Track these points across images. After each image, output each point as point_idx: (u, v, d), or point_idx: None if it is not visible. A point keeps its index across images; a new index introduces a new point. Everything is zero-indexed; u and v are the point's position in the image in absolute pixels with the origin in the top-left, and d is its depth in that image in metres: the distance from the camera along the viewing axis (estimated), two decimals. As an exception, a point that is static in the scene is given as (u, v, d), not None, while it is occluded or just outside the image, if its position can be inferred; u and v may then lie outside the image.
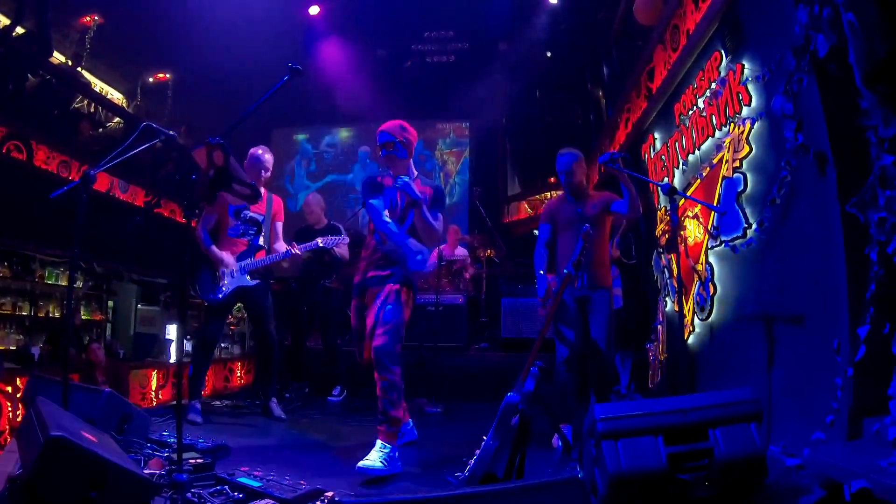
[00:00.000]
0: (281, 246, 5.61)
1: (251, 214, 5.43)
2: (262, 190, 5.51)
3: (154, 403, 6.75)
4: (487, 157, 14.39)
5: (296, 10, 12.62)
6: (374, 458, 3.67)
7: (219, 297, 5.28)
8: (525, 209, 13.35)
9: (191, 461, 3.11)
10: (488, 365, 7.62)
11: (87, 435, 2.43)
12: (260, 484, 2.83)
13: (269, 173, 5.66)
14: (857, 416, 3.03)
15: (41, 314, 9.54)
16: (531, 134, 13.67)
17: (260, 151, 5.58)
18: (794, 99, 3.66)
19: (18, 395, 5.22)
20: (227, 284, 5.27)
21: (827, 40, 3.38)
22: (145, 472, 2.89)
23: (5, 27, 8.71)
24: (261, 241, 5.50)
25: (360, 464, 3.60)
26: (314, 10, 12.77)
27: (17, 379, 5.29)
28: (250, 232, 5.46)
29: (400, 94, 13.61)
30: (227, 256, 5.29)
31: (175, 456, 2.95)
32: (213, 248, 5.28)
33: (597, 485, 2.46)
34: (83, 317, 9.99)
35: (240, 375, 8.30)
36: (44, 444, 2.18)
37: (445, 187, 14.12)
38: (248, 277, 5.33)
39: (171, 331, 10.60)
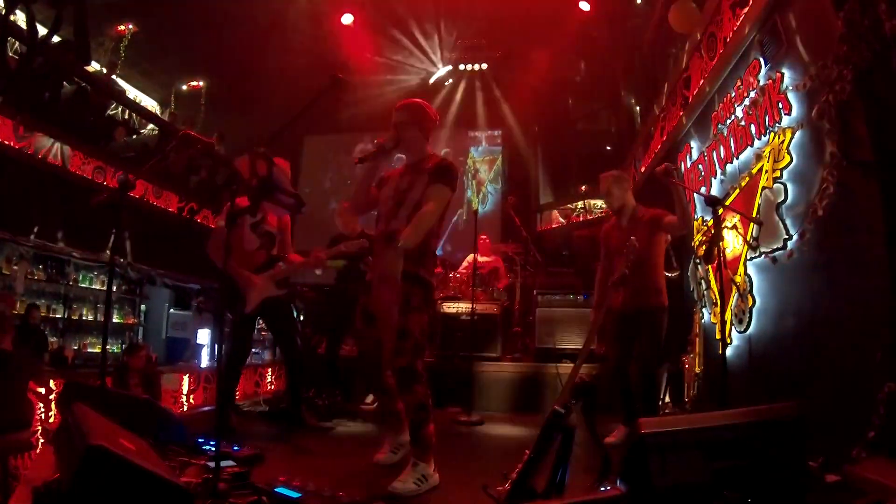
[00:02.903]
0: (296, 256, 5.59)
1: (266, 228, 5.40)
2: None
3: (185, 408, 6.79)
4: (520, 165, 14.43)
5: (329, 19, 12.66)
6: (406, 479, 3.52)
7: (247, 310, 5.25)
8: (557, 218, 13.29)
9: (227, 470, 3.10)
10: (522, 375, 7.56)
11: (125, 443, 2.42)
12: (299, 495, 2.80)
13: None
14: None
15: (75, 317, 9.66)
16: (564, 142, 13.61)
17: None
18: (836, 108, 3.59)
19: (52, 397, 5.27)
20: (254, 297, 5.25)
21: (869, 48, 3.33)
22: (182, 480, 2.88)
23: (43, 37, 8.85)
24: (275, 252, 5.47)
25: (393, 486, 3.45)
26: (347, 18, 12.78)
27: (51, 381, 5.34)
28: (266, 245, 5.42)
29: (433, 102, 13.66)
30: (246, 273, 5.24)
31: (211, 464, 2.95)
32: (233, 264, 5.22)
33: (641, 500, 2.41)
34: (116, 320, 10.08)
35: (270, 381, 8.33)
36: (83, 454, 2.17)
37: (478, 196, 14.10)
38: (275, 287, 5.31)
39: (203, 335, 10.68)
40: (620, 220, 5.26)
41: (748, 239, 4.79)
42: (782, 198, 4.25)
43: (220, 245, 5.11)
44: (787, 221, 4.19)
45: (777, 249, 4.30)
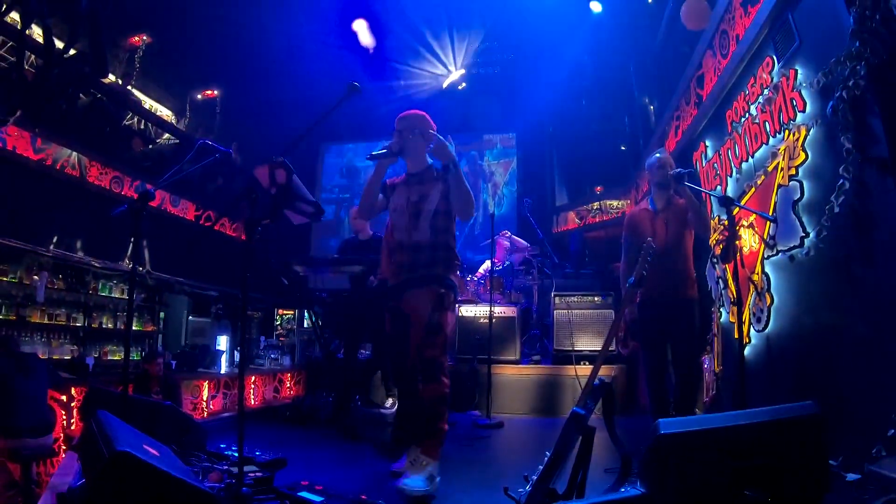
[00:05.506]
0: None
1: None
2: None
3: (205, 414, 6.85)
4: (535, 167, 14.41)
5: (341, 27, 12.71)
6: (417, 474, 3.49)
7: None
8: (573, 219, 13.26)
9: (250, 474, 3.13)
10: (541, 378, 7.57)
11: (149, 448, 2.45)
12: (321, 499, 2.82)
13: None
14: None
15: (95, 325, 9.73)
16: (578, 143, 13.56)
17: None
18: (851, 104, 3.57)
19: (73, 405, 5.34)
20: None
21: (882, 44, 3.31)
22: (205, 485, 2.91)
23: (59, 50, 8.95)
24: None
25: (404, 482, 3.40)
26: (359, 24, 12.81)
27: (73, 389, 5.41)
28: None
29: (446, 106, 13.67)
30: None
31: (234, 469, 2.98)
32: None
33: (661, 500, 2.42)
34: (135, 327, 10.15)
35: (289, 387, 8.38)
36: (108, 460, 2.19)
37: (493, 198, 14.10)
38: None
39: (222, 342, 10.72)
40: (657, 203, 5.14)
41: (765, 237, 4.76)
42: (798, 195, 4.22)
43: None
44: (804, 219, 4.16)
45: (794, 247, 4.27)
